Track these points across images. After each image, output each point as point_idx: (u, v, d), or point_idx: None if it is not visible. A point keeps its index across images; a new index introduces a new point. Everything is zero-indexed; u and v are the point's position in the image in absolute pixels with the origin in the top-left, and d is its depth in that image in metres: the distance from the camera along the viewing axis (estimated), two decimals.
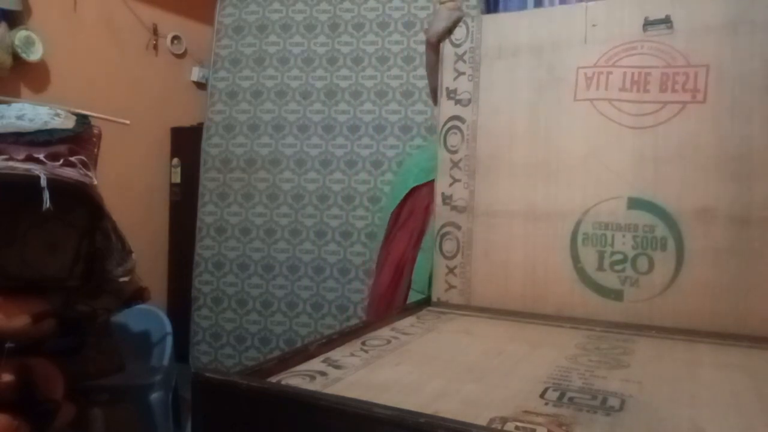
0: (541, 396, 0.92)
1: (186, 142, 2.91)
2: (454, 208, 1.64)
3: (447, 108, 1.68)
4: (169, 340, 2.20)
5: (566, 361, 1.14)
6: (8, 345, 1.33)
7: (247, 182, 2.58)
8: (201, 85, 3.09)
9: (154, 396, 2.01)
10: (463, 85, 1.66)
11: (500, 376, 1.04)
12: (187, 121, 2.98)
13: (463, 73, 1.66)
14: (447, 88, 1.69)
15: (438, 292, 1.72)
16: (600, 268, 1.43)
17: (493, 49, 1.62)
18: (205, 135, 2.64)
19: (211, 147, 2.63)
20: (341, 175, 2.50)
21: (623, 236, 1.41)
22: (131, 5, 2.76)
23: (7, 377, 1.33)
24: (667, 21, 1.41)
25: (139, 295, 1.67)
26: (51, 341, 1.51)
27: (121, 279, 1.54)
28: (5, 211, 1.44)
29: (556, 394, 0.92)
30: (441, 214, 1.68)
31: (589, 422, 0.82)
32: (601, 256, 1.43)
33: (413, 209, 1.82)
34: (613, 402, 0.90)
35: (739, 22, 1.33)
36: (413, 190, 1.82)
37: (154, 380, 2.04)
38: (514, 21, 1.64)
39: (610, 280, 1.44)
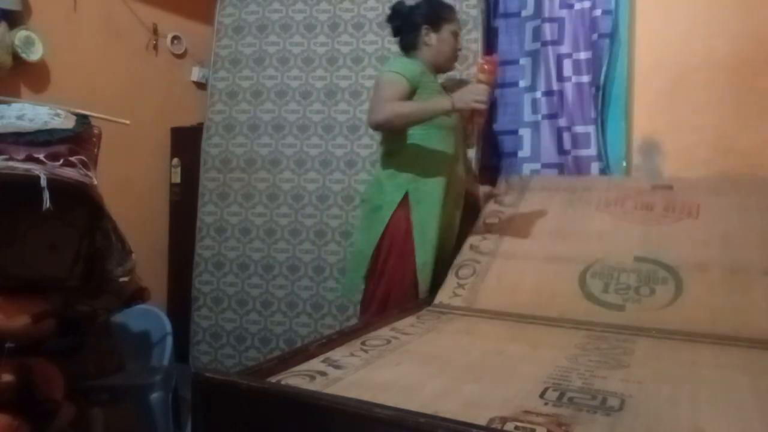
0: (541, 396, 0.92)
1: (186, 142, 2.91)
2: (478, 252, 1.95)
3: (490, 206, 2.17)
4: (169, 340, 2.20)
5: (566, 361, 1.14)
6: (8, 345, 1.33)
7: (247, 182, 2.57)
8: (201, 85, 3.08)
9: (154, 396, 2.01)
10: (509, 199, 2.18)
11: (500, 376, 1.05)
12: (187, 121, 2.98)
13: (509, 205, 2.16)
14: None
15: (442, 298, 1.74)
16: (605, 291, 1.64)
17: (537, 189, 2.17)
18: (205, 135, 2.64)
19: (211, 147, 2.63)
20: (341, 175, 2.50)
21: (628, 275, 1.66)
22: (131, 5, 2.76)
23: (7, 377, 1.33)
24: (669, 187, 2.02)
25: (139, 295, 1.67)
26: (51, 341, 1.51)
27: (121, 279, 1.54)
28: (5, 211, 1.43)
29: (556, 394, 0.93)
30: (464, 253, 1.97)
31: (589, 422, 0.82)
32: (606, 284, 1.66)
33: (393, 237, 1.85)
34: (613, 402, 0.90)
35: (720, 182, 1.94)
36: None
37: (154, 380, 2.04)
38: (555, 183, 2.21)
39: (613, 298, 1.61)
